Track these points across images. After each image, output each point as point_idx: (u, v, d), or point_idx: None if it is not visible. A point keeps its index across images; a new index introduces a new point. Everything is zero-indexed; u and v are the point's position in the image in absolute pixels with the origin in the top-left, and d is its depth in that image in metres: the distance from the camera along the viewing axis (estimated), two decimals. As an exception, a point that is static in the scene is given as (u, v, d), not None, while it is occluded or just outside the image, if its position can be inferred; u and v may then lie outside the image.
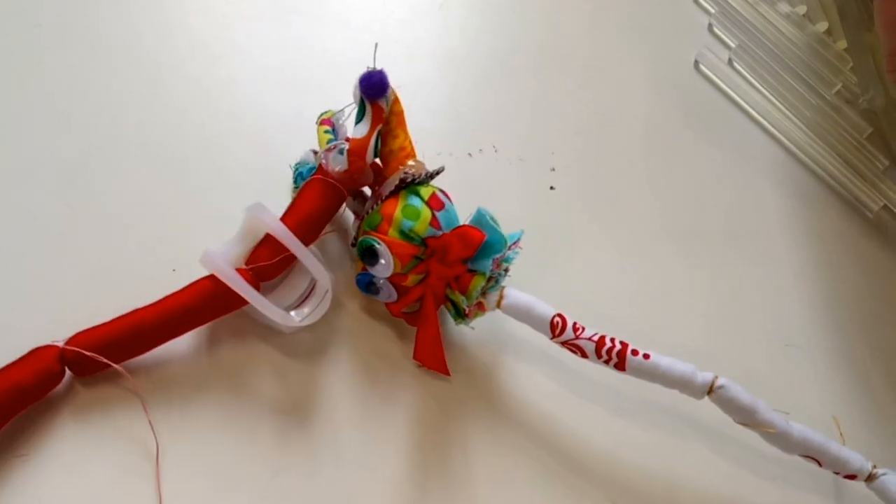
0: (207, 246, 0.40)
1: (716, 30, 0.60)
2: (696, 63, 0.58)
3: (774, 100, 0.57)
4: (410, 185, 0.41)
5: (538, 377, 0.44)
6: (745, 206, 0.53)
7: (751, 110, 0.57)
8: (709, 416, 0.43)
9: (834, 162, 0.55)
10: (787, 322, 0.49)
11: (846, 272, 0.52)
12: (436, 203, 0.41)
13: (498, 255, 0.40)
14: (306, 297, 0.41)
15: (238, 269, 0.40)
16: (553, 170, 0.52)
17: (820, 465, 0.41)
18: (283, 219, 0.41)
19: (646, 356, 0.40)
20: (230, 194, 0.46)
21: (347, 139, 0.41)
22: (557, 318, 0.41)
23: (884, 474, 0.41)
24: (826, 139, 0.56)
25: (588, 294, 0.47)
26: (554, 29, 0.58)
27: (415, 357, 0.43)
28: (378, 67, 0.40)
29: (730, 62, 0.58)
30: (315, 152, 0.47)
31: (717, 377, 0.40)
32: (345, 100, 0.42)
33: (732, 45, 0.59)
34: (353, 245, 0.44)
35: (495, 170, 0.51)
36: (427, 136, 0.45)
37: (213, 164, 0.47)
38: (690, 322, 0.48)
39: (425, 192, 0.41)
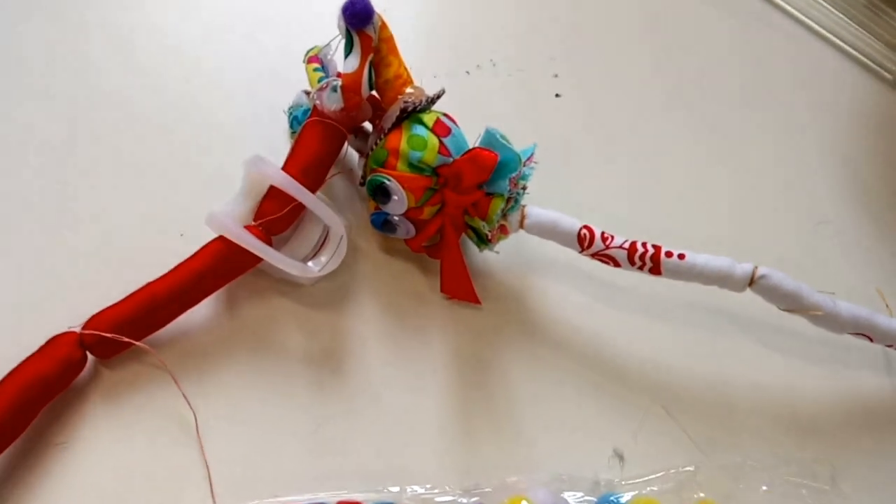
0: (211, 207, 0.38)
1: None
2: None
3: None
4: (412, 114, 0.39)
5: (571, 293, 0.43)
6: (760, 82, 0.51)
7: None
8: (750, 308, 0.42)
9: (848, 26, 0.52)
10: (815, 200, 0.48)
11: (870, 139, 0.50)
12: (441, 129, 0.39)
13: (514, 174, 0.38)
14: (321, 246, 0.40)
15: (247, 227, 0.38)
16: (556, 76, 0.49)
17: (871, 340, 0.40)
18: (284, 168, 0.39)
19: (680, 256, 0.38)
20: (227, 150, 0.44)
21: (339, 74, 0.39)
22: (584, 231, 0.39)
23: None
24: (837, 3, 0.53)
25: (609, 200, 0.46)
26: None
27: (442, 290, 0.42)
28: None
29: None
30: (307, 93, 0.45)
31: (756, 267, 0.38)
32: (330, 32, 0.39)
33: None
34: (362, 184, 0.42)
35: (496, 85, 0.49)
36: (420, 60, 0.43)
37: (203, 121, 0.45)
38: (716, 214, 0.46)
39: (429, 118, 0.39)
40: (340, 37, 0.41)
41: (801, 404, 0.41)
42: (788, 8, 0.53)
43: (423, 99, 0.39)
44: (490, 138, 0.38)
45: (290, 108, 0.45)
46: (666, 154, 0.48)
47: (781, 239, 0.46)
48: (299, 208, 0.39)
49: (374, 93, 0.40)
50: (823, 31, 0.53)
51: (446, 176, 0.39)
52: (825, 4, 0.53)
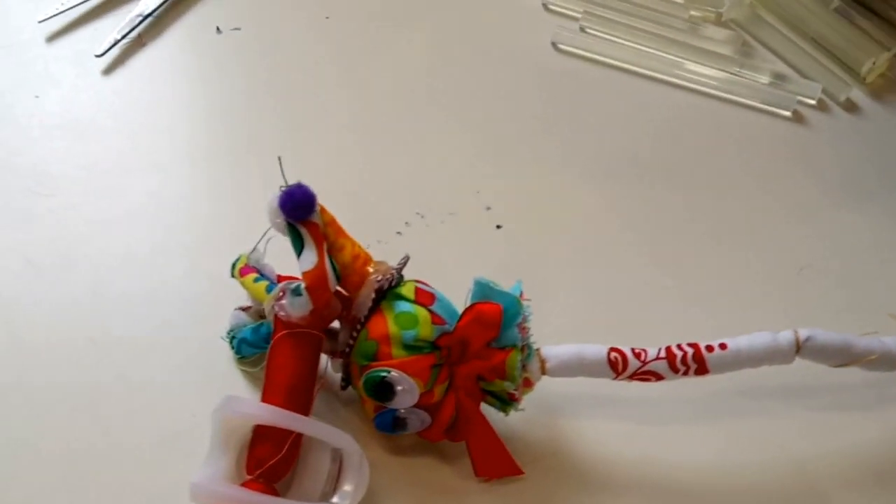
0: (190, 479, 0.31)
1: (552, 7, 0.57)
2: (554, 45, 0.54)
3: (641, 46, 0.54)
4: (388, 292, 0.34)
5: (605, 424, 0.38)
6: (677, 154, 0.50)
7: (625, 65, 0.54)
8: (787, 377, 0.39)
9: (722, 79, 0.53)
10: (792, 247, 0.46)
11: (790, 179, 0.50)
12: (425, 297, 0.35)
13: (520, 320, 0.34)
14: (339, 474, 0.33)
15: (244, 484, 0.31)
16: (489, 208, 0.46)
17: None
18: (264, 399, 0.33)
19: (721, 346, 0.35)
20: (171, 410, 0.37)
21: (281, 277, 0.33)
22: (614, 354, 0.35)
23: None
24: (703, 62, 0.54)
25: (603, 312, 0.42)
26: (399, 77, 0.52)
27: (478, 474, 0.36)
28: (290, 182, 0.33)
29: (582, 30, 0.55)
30: (245, 309, 0.39)
31: (796, 331, 0.35)
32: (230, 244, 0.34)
33: (578, 14, 0.56)
34: (344, 388, 0.37)
35: (434, 235, 0.45)
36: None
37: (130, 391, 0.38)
38: (705, 293, 0.44)
39: (407, 290, 0.35)
40: (266, 239, 0.37)
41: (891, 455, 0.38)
42: (665, 77, 0.54)
43: (393, 272, 0.35)
44: (483, 289, 0.34)
45: (229, 332, 0.39)
46: (636, 252, 0.45)
47: (771, 295, 0.44)
48: (298, 441, 0.32)
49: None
50: (705, 89, 0.53)
51: (449, 346, 0.34)
52: (697, 64, 0.54)
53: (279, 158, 0.33)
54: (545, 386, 0.37)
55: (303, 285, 0.33)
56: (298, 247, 0.33)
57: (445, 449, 0.37)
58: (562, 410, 0.39)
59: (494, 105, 0.51)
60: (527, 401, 0.37)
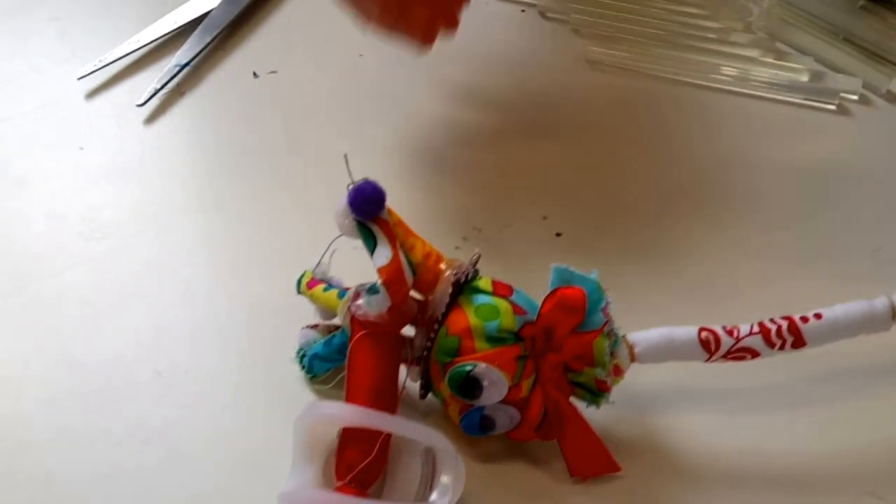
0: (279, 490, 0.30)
1: (580, 31, 0.57)
2: (589, 62, 0.55)
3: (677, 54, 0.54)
4: (465, 286, 0.33)
5: (699, 419, 0.37)
6: (736, 149, 0.49)
7: (664, 75, 0.54)
8: (877, 357, 0.37)
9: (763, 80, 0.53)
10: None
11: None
12: (503, 289, 0.34)
13: (604, 304, 0.33)
14: (433, 474, 0.31)
15: (337, 489, 0.30)
16: (545, 218, 0.45)
17: None
18: (348, 401, 0.31)
19: (817, 316, 0.34)
20: (251, 435, 0.36)
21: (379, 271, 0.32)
22: (706, 334, 0.33)
23: None
24: (741, 66, 0.54)
25: (679, 307, 0.41)
26: (439, 97, 0.52)
27: (574, 474, 0.34)
28: (358, 179, 0.33)
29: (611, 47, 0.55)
30: (313, 326, 0.38)
31: (891, 296, 0.34)
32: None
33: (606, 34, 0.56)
34: (423, 396, 0.35)
35: (491, 248, 0.44)
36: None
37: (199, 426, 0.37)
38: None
39: (484, 284, 0.34)
40: (331, 250, 0.36)
41: None
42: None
43: (469, 266, 0.34)
44: (563, 275, 0.33)
45: (299, 352, 0.37)
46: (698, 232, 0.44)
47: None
48: (387, 442, 0.31)
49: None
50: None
51: (533, 336, 0.33)
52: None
53: (345, 156, 0.33)
54: (631, 383, 0.35)
55: (379, 282, 0.32)
56: (371, 245, 0.32)
57: (536, 452, 0.35)
58: (651, 407, 0.37)
59: (539, 119, 0.51)
60: (614, 398, 0.36)
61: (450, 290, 0.33)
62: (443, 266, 0.34)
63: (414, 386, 0.35)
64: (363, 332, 0.32)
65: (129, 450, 0.36)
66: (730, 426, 0.37)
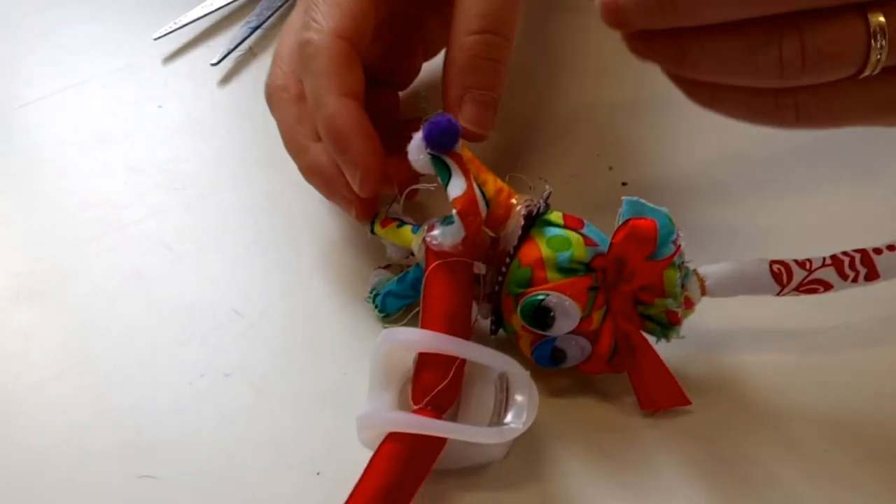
0: (358, 413, 0.31)
1: None
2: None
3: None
4: (537, 219, 0.34)
5: (770, 358, 0.37)
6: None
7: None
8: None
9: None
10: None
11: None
12: (574, 222, 0.34)
13: (674, 236, 0.33)
14: (505, 401, 0.32)
15: (414, 412, 0.31)
16: (611, 168, 0.46)
17: None
18: (424, 327, 0.32)
19: (890, 248, 0.33)
20: (336, 367, 0.37)
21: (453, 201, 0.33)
22: (777, 267, 0.33)
23: None
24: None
25: (747, 244, 0.41)
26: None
27: (644, 406, 0.34)
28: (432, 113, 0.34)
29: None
30: (385, 267, 0.39)
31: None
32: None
33: None
34: (494, 332, 0.36)
35: (557, 197, 0.44)
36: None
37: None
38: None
39: (555, 217, 0.34)
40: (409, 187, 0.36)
41: None
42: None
43: (540, 200, 0.34)
44: (635, 206, 0.33)
45: (372, 291, 0.38)
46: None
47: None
48: (462, 368, 0.32)
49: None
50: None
51: (605, 265, 0.33)
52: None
53: (422, 94, 0.34)
54: (700, 322, 0.36)
55: (454, 213, 0.33)
56: (446, 177, 0.33)
57: (606, 386, 0.36)
58: (721, 345, 0.37)
59: (601, 70, 0.51)
60: (684, 333, 0.36)
61: (522, 222, 0.33)
62: (514, 201, 0.35)
63: (484, 325, 0.36)
64: (438, 262, 0.33)
65: (211, 383, 0.37)
66: (801, 366, 0.36)
